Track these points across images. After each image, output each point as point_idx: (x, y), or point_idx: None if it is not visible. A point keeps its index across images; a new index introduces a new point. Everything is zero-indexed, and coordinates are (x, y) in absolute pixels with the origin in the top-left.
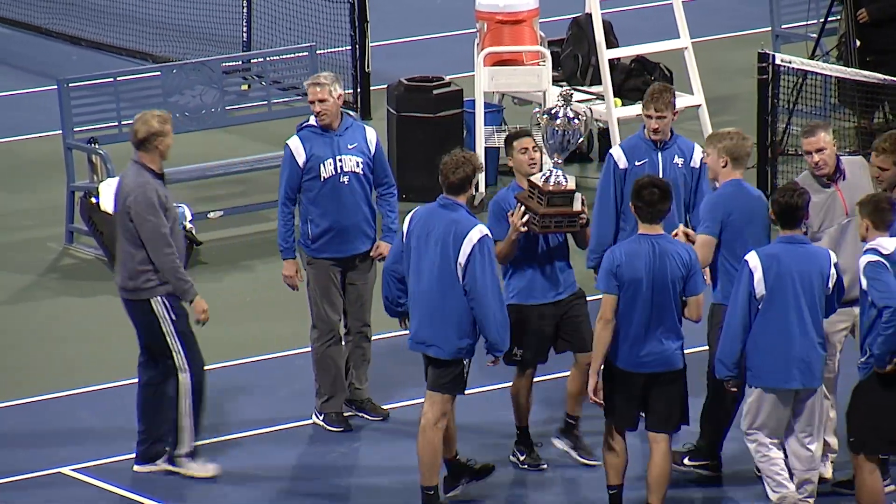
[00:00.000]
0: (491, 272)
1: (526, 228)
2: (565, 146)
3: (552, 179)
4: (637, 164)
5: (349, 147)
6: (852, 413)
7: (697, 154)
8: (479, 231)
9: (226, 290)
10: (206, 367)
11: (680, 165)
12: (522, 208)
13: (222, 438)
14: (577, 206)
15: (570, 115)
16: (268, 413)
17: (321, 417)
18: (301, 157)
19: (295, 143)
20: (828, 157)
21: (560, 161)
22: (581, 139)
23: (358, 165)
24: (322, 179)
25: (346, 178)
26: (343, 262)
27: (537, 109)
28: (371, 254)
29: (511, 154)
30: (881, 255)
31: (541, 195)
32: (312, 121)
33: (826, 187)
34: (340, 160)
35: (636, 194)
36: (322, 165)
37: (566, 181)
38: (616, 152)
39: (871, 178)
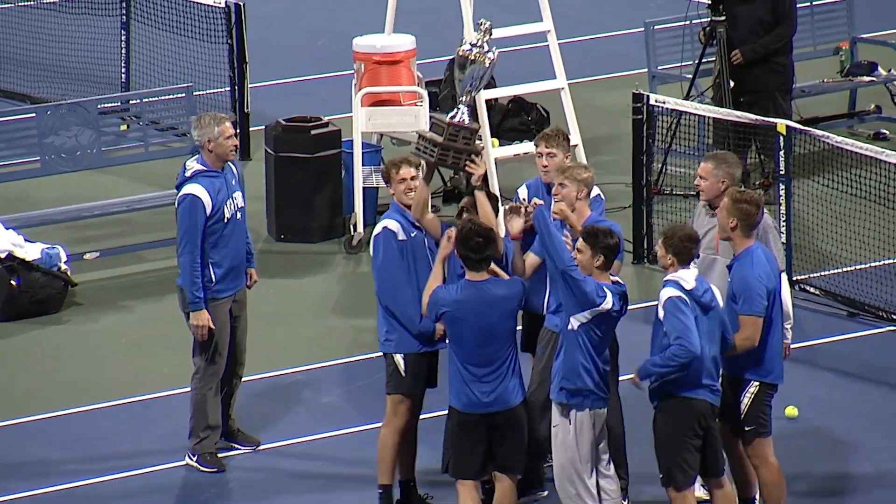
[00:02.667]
0: (379, 268)
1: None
2: (476, 82)
3: (458, 117)
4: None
5: (233, 184)
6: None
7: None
8: (378, 227)
9: (102, 330)
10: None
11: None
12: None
13: (99, 479)
14: (481, 170)
15: (487, 48)
16: (139, 455)
17: (195, 458)
18: (209, 204)
19: (200, 191)
20: (705, 187)
21: (468, 100)
22: (484, 74)
23: (242, 200)
24: (225, 221)
25: (238, 215)
26: (234, 298)
27: (462, 47)
28: (248, 283)
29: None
30: (683, 289)
31: (443, 127)
32: (199, 165)
33: (711, 217)
34: (234, 198)
35: (463, 243)
36: (225, 207)
37: (470, 120)
38: (521, 191)
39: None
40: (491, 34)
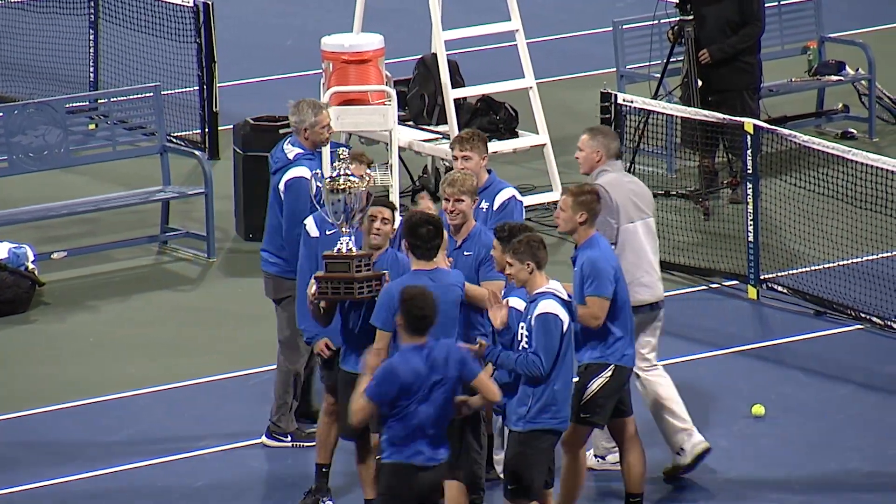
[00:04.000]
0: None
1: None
2: (349, 212)
3: (345, 247)
4: None
5: None
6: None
7: (500, 198)
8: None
9: (69, 330)
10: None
11: (484, 209)
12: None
13: (65, 479)
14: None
15: (344, 175)
16: (106, 455)
17: (288, 439)
18: (313, 185)
19: (307, 174)
20: (582, 158)
21: (346, 229)
22: (360, 204)
23: None
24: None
25: None
26: None
27: (320, 176)
28: None
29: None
30: (562, 301)
31: (344, 262)
32: (298, 148)
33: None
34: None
35: (411, 232)
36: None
37: (346, 249)
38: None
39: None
40: (349, 162)
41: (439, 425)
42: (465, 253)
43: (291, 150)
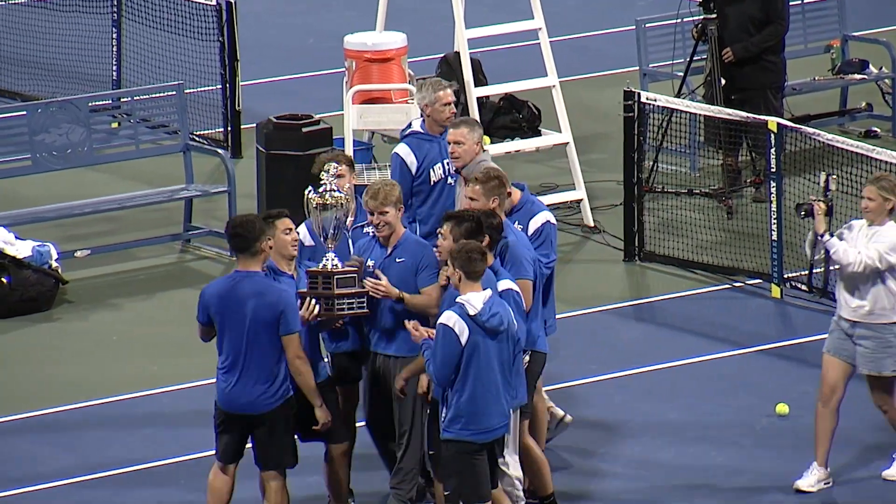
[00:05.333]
0: None
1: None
2: (336, 229)
3: (330, 264)
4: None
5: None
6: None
7: (534, 223)
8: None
9: (92, 328)
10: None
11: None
12: (311, 301)
13: (90, 477)
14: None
15: (330, 190)
16: (129, 453)
17: None
18: (413, 164)
19: (405, 151)
20: (461, 152)
21: (332, 245)
22: (343, 219)
23: None
24: (431, 183)
25: (451, 181)
26: None
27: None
28: None
29: (272, 234)
30: (465, 314)
31: (326, 279)
32: (416, 127)
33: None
34: (444, 164)
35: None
36: (431, 170)
37: (343, 262)
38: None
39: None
40: (335, 176)
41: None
42: (398, 260)
43: (412, 127)
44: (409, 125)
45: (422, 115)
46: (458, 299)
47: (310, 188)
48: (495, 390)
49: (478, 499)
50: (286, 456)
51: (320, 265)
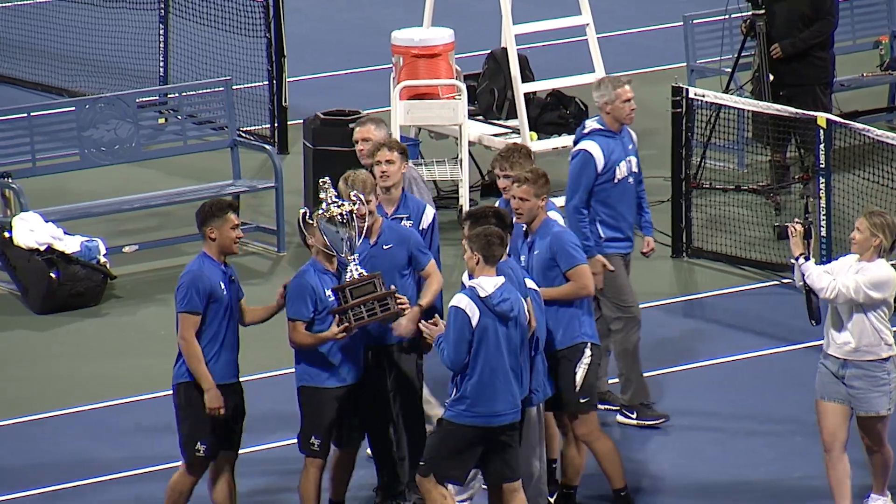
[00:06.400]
0: None
1: (345, 333)
2: (347, 241)
3: (348, 276)
4: None
5: (629, 147)
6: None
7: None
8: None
9: (140, 323)
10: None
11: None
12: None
13: (135, 472)
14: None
15: (332, 202)
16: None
17: (633, 415)
18: (601, 161)
19: (594, 147)
20: (368, 150)
21: (353, 257)
22: (359, 228)
23: (637, 165)
24: (615, 181)
25: (630, 179)
26: (625, 259)
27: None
28: (645, 250)
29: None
30: (476, 297)
31: (342, 293)
32: (597, 124)
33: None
34: (628, 161)
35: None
36: (617, 168)
37: (357, 274)
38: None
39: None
40: (328, 189)
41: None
42: (385, 247)
43: (590, 126)
44: (584, 125)
45: (597, 113)
46: (469, 283)
47: (305, 210)
48: (504, 376)
49: (448, 479)
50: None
51: (346, 277)
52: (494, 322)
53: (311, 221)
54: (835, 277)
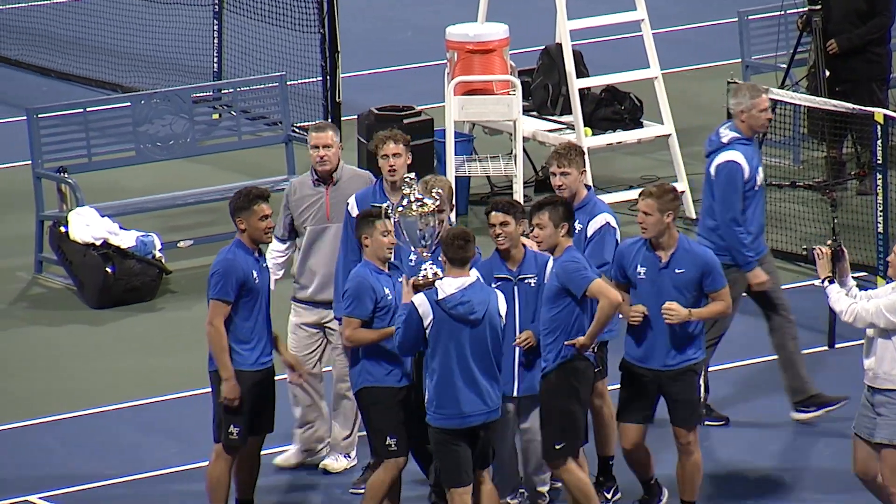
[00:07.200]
0: None
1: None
2: (425, 236)
3: (420, 275)
4: None
5: (759, 155)
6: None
7: (594, 224)
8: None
9: (195, 318)
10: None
11: (577, 230)
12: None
13: (192, 466)
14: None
15: (415, 199)
16: None
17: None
18: (747, 170)
19: (739, 157)
20: (332, 155)
21: (427, 254)
22: (438, 227)
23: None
24: (755, 189)
25: (757, 186)
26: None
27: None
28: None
29: (370, 234)
30: (434, 299)
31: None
32: (733, 133)
33: (317, 186)
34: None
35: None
36: (756, 175)
37: (433, 273)
38: None
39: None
40: (414, 185)
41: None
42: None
43: (727, 134)
44: (718, 134)
45: (732, 120)
46: (436, 282)
47: (388, 204)
48: (467, 376)
49: (455, 483)
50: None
51: (420, 276)
52: (453, 324)
53: (391, 216)
54: (855, 301)
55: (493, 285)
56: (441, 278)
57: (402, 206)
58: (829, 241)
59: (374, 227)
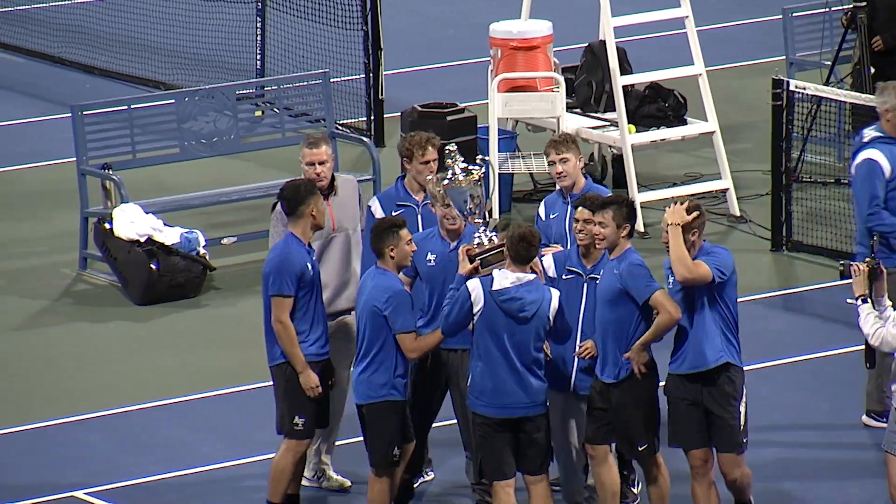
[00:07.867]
0: None
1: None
2: (473, 205)
3: (475, 241)
4: (551, 217)
5: None
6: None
7: None
8: None
9: (239, 315)
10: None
11: None
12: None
13: (236, 462)
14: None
15: (461, 170)
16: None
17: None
18: (888, 169)
19: (879, 156)
20: (327, 170)
21: (479, 221)
22: (487, 192)
23: None
24: None
25: None
26: None
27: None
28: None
29: (396, 244)
30: (487, 288)
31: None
32: (876, 132)
33: (325, 197)
34: None
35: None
36: None
37: (487, 239)
38: (541, 209)
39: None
40: (456, 156)
41: None
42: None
43: (869, 134)
44: (861, 134)
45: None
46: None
47: (431, 175)
48: (511, 367)
49: (497, 476)
50: None
51: (475, 243)
52: (501, 316)
53: (439, 189)
54: (883, 324)
55: (564, 277)
56: (495, 243)
57: (448, 178)
58: (867, 259)
59: (398, 237)
